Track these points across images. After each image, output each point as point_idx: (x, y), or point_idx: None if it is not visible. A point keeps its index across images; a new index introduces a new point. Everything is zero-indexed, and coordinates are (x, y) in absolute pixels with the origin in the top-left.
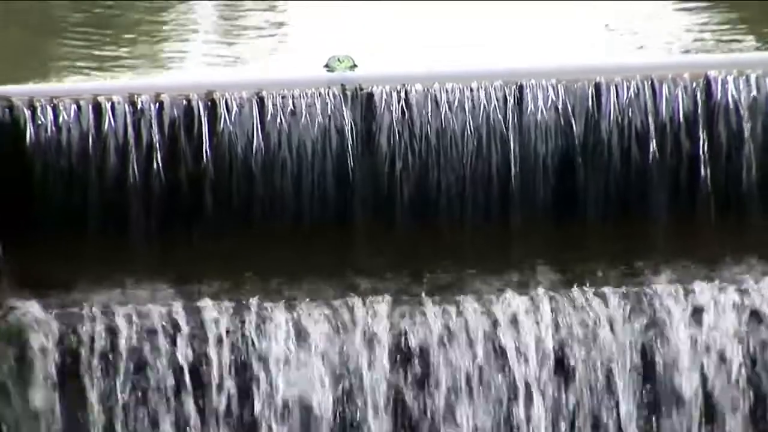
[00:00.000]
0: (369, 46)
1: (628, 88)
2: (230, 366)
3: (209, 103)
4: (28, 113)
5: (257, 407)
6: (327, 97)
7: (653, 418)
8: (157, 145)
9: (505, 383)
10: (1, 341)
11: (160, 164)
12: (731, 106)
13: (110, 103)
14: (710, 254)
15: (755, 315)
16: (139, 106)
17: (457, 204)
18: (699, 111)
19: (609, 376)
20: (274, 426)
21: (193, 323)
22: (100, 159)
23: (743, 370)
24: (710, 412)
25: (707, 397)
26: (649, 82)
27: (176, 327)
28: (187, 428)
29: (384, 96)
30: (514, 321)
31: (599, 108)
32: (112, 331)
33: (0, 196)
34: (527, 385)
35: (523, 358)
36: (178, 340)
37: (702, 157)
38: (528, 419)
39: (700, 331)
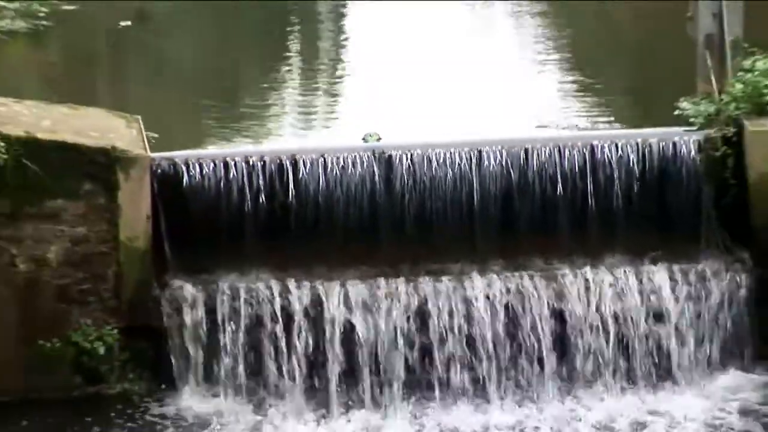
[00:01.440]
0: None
1: (545, 151)
2: (307, 321)
3: (293, 161)
4: (184, 168)
5: (326, 341)
6: (363, 157)
7: (560, 348)
8: (262, 188)
9: (472, 326)
10: (168, 305)
11: (264, 199)
12: (606, 161)
13: (233, 161)
14: (594, 251)
15: (620, 286)
16: (250, 163)
17: (442, 221)
18: (587, 165)
19: (535, 320)
20: (337, 350)
21: (284, 295)
22: (227, 196)
23: (613, 315)
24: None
25: (591, 327)
26: (557, 147)
27: (273, 297)
28: (280, 358)
29: (398, 156)
30: (478, 292)
31: (527, 163)
32: (235, 300)
33: (168, 218)
34: (484, 326)
35: (483, 313)
36: (276, 305)
37: (589, 192)
38: (484, 345)
39: (589, 294)
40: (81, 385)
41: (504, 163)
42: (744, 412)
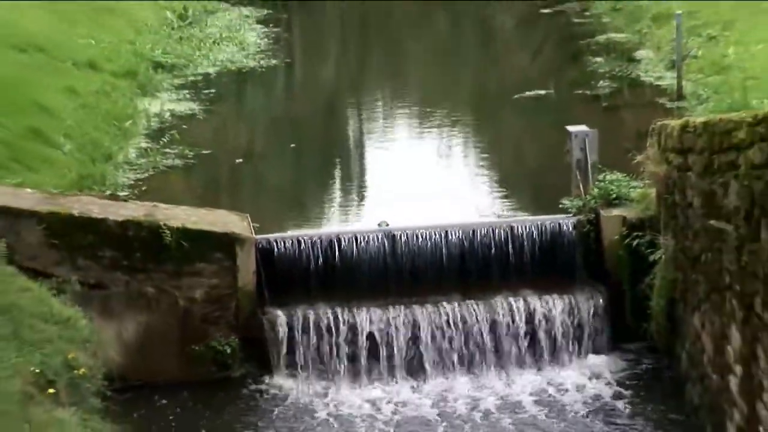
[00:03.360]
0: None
1: (483, 230)
2: (347, 331)
3: (338, 239)
4: (275, 244)
5: (358, 341)
6: (378, 236)
7: (495, 344)
8: (320, 255)
9: (442, 331)
10: (267, 324)
11: (321, 262)
12: (520, 235)
13: (303, 239)
14: (513, 288)
15: (529, 307)
16: (313, 240)
17: (424, 273)
18: (509, 237)
19: (479, 327)
20: (365, 346)
21: (334, 316)
22: (299, 260)
23: (525, 323)
24: (514, 333)
25: (511, 330)
26: (491, 227)
27: (329, 318)
28: (332, 352)
29: (399, 235)
30: (446, 312)
31: (474, 237)
32: (306, 320)
33: (265, 274)
34: (451, 332)
35: (448, 325)
36: (330, 322)
37: (510, 254)
38: (450, 342)
39: (511, 312)
40: (216, 372)
41: (460, 237)
42: (602, 378)
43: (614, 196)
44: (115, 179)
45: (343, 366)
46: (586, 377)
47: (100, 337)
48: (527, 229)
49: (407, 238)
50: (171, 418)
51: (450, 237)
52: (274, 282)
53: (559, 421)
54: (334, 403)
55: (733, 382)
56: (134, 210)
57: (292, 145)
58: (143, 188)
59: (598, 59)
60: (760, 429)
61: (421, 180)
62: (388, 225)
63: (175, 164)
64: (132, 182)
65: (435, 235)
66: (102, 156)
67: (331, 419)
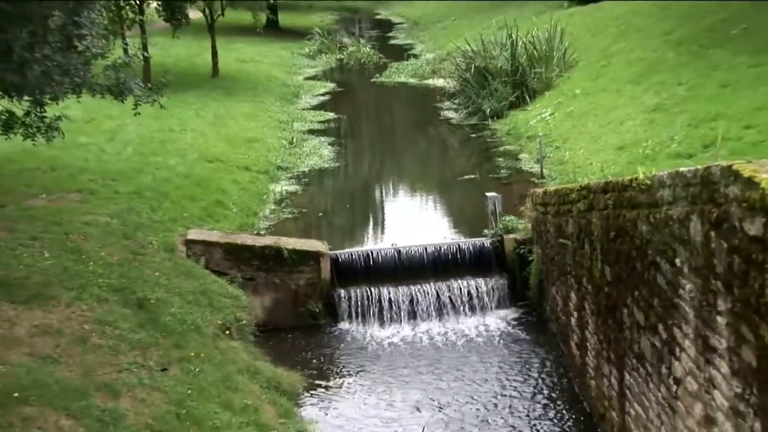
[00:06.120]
0: (399, 236)
1: (445, 246)
2: (377, 298)
3: (371, 252)
4: (339, 256)
5: (383, 304)
6: (392, 251)
7: (452, 305)
8: (363, 261)
9: (426, 298)
10: (336, 296)
11: (362, 265)
12: (463, 248)
13: (353, 253)
14: (462, 274)
15: (470, 285)
16: (358, 254)
17: (416, 269)
18: (458, 250)
19: (443, 295)
20: (385, 307)
21: (370, 291)
22: (352, 264)
23: (467, 294)
24: (461, 297)
25: (460, 296)
26: (449, 245)
27: (367, 293)
28: (371, 310)
29: (403, 249)
30: (428, 288)
31: (440, 250)
32: (355, 294)
33: (336, 272)
34: (429, 298)
35: (430, 293)
36: (368, 294)
37: (458, 259)
38: (428, 304)
39: (461, 289)
40: (311, 321)
41: (434, 250)
42: (506, 321)
43: (511, 228)
44: (258, 226)
45: (374, 317)
46: (498, 320)
47: (252, 304)
48: (468, 246)
49: (406, 251)
50: (289, 341)
51: (428, 250)
52: (339, 276)
53: (486, 341)
54: (370, 336)
55: (573, 321)
56: (269, 240)
57: (348, 206)
58: (273, 229)
59: (500, 159)
60: (587, 345)
61: (412, 221)
62: (397, 245)
63: (288, 217)
64: (267, 227)
65: (420, 249)
66: (252, 214)
67: (368, 344)
